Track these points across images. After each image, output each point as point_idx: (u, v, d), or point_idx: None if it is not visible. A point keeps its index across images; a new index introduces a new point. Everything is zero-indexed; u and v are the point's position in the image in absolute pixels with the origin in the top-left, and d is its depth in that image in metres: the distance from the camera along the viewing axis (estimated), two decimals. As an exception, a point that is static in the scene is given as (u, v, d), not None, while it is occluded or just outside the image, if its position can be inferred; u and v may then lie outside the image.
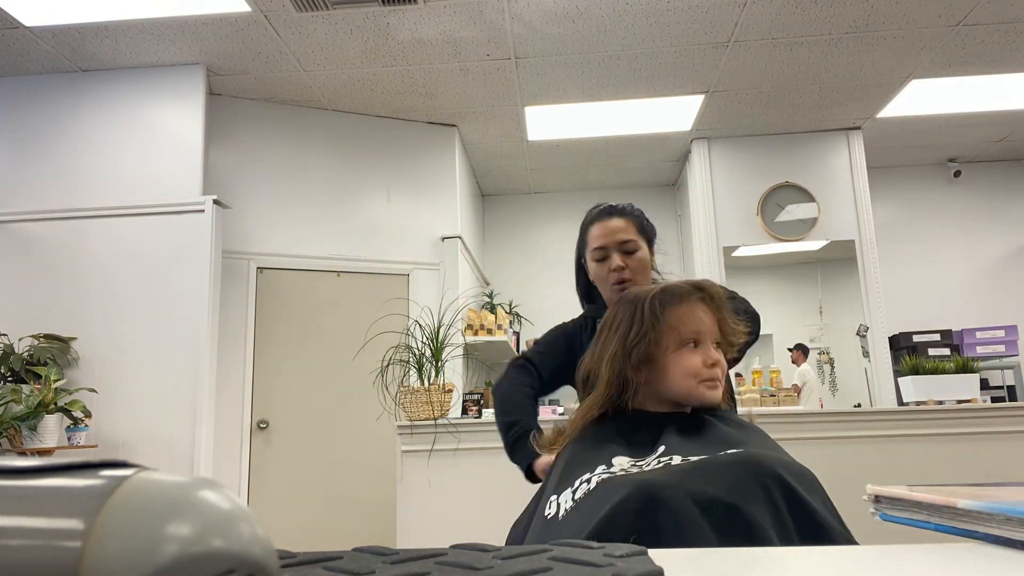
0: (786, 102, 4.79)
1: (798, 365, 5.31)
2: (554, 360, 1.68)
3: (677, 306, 1.15)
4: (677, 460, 0.94)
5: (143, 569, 0.24)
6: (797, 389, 5.05)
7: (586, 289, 1.77)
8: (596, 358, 1.18)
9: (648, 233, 1.67)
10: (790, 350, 5.37)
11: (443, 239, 4.77)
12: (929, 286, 5.88)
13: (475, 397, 3.33)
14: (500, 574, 0.42)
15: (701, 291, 1.18)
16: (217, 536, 0.26)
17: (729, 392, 1.21)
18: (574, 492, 0.95)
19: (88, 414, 3.46)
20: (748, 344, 1.45)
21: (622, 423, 1.11)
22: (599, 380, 1.15)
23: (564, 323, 1.76)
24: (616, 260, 1.59)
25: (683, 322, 1.14)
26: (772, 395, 4.05)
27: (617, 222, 1.62)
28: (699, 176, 5.31)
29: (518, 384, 1.66)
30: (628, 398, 1.13)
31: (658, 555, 0.49)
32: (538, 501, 1.13)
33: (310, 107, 4.61)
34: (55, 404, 3.30)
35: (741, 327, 1.20)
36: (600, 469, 0.97)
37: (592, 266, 1.65)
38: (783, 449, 1.03)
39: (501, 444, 1.63)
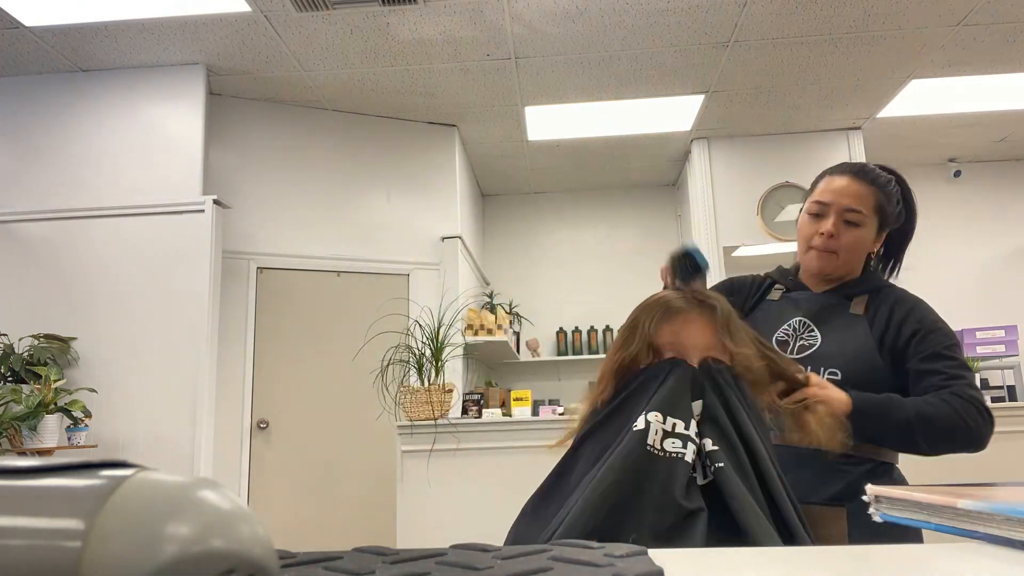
0: (786, 102, 4.78)
1: None
2: None
3: (667, 322, 0.98)
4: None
5: (143, 569, 0.24)
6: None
7: None
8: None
9: (885, 216, 1.39)
10: None
11: (443, 239, 4.77)
12: (929, 286, 5.80)
13: (475, 397, 3.30)
14: (500, 574, 0.42)
15: (701, 304, 0.98)
16: (217, 536, 0.26)
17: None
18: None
19: (88, 414, 3.46)
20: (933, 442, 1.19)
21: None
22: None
23: (733, 277, 1.58)
24: (829, 224, 1.35)
25: (666, 341, 0.97)
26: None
27: (854, 185, 1.36)
28: (699, 176, 5.31)
29: None
30: None
31: (658, 555, 0.49)
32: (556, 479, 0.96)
33: (310, 107, 4.61)
34: (55, 404, 3.30)
35: (750, 349, 0.96)
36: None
37: (804, 218, 1.43)
38: None
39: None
